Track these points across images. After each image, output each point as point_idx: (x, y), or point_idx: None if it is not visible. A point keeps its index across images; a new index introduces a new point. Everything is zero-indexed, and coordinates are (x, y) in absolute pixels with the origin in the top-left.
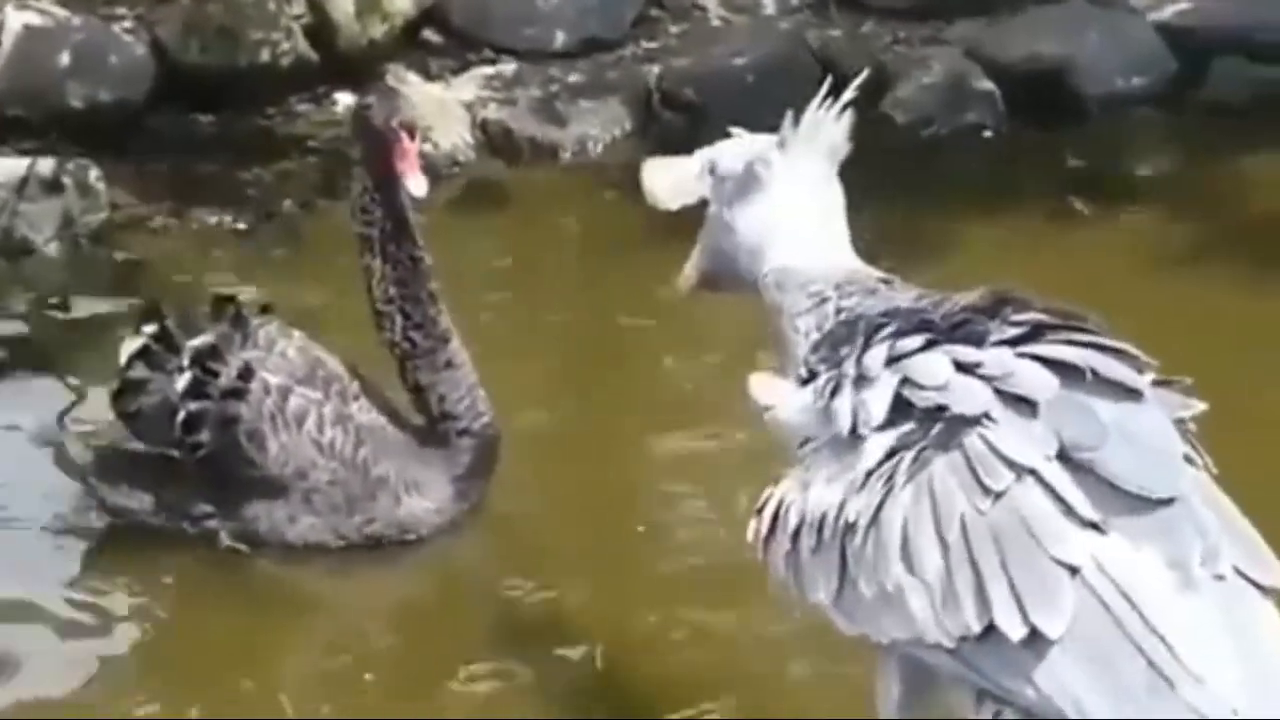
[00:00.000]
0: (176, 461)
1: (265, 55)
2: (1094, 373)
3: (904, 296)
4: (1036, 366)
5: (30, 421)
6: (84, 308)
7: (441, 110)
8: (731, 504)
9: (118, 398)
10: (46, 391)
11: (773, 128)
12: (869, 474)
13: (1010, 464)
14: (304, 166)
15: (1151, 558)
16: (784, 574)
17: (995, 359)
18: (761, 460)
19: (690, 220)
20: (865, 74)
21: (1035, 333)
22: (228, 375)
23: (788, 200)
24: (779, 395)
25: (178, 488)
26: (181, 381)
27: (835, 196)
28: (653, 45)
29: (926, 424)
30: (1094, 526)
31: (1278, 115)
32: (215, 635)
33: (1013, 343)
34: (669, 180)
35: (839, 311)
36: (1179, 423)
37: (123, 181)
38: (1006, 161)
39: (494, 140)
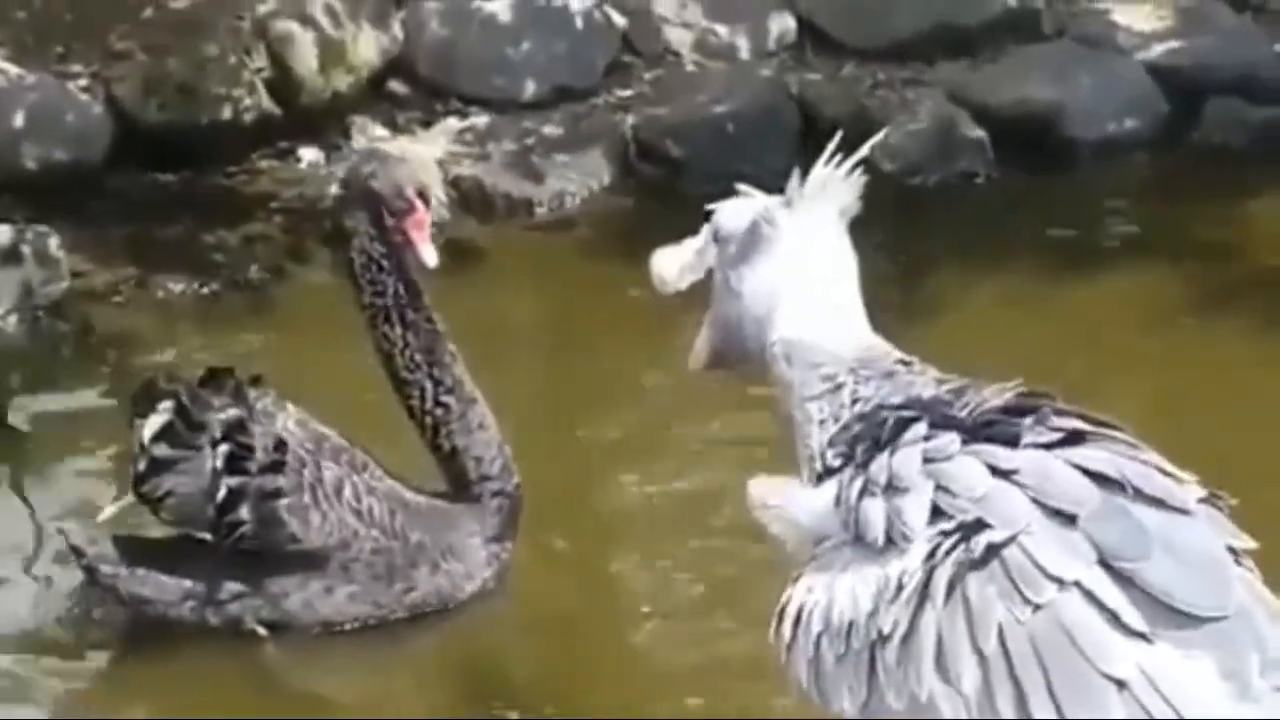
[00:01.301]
0: (201, 543)
1: (226, 111)
2: (1134, 486)
3: (924, 383)
4: (1075, 473)
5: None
6: (48, 390)
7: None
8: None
9: (143, 481)
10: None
11: (754, 178)
12: (901, 583)
13: (1051, 575)
14: (270, 228)
15: (1205, 669)
16: (806, 680)
17: (1032, 463)
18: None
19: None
20: (883, 134)
21: (1073, 438)
22: (262, 448)
23: (795, 262)
24: (787, 495)
25: (203, 571)
26: (218, 458)
27: (846, 259)
28: (627, 93)
29: (963, 533)
30: (1142, 637)
31: (1274, 158)
32: None
33: (1048, 446)
34: (676, 260)
35: (855, 401)
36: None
37: (83, 248)
38: (998, 211)
39: (467, 197)
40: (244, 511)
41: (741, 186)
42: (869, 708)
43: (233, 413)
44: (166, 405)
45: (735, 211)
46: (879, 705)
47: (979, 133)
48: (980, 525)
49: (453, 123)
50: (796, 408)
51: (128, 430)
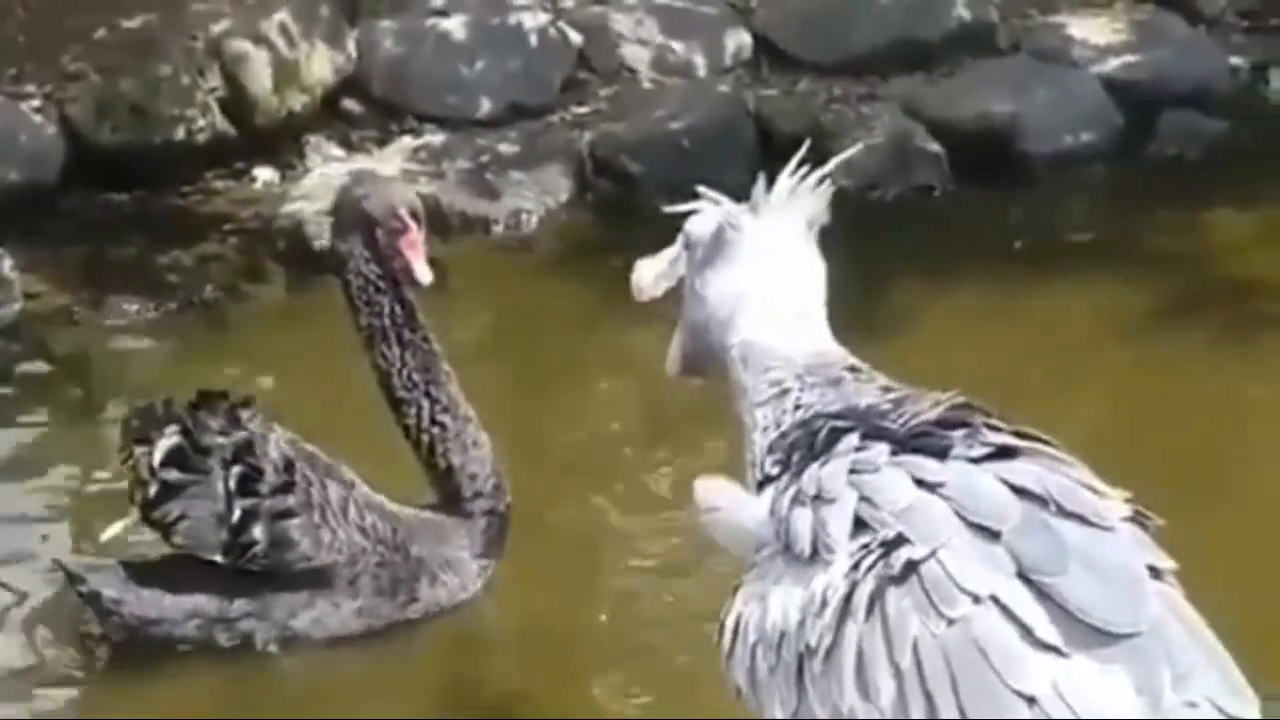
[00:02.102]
0: (208, 565)
1: (180, 132)
2: (1057, 503)
3: (869, 391)
4: (1000, 487)
5: None
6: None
7: None
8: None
9: (153, 506)
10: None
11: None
12: (826, 598)
13: (965, 590)
14: (225, 248)
15: (1118, 683)
16: (744, 688)
17: (958, 477)
18: None
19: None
20: (857, 148)
21: (1002, 452)
22: (272, 469)
23: (758, 267)
24: (728, 499)
25: (207, 590)
26: (231, 480)
27: (812, 267)
28: (582, 110)
29: (885, 547)
30: (1055, 650)
31: (1229, 169)
32: None
33: (977, 460)
34: (652, 269)
35: (798, 407)
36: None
37: (37, 269)
38: (955, 225)
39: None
40: (257, 532)
41: (705, 191)
42: (799, 717)
43: (241, 435)
44: (173, 429)
45: (703, 217)
46: (808, 716)
47: (936, 147)
48: (901, 541)
49: (408, 141)
50: (746, 413)
51: (94, 452)
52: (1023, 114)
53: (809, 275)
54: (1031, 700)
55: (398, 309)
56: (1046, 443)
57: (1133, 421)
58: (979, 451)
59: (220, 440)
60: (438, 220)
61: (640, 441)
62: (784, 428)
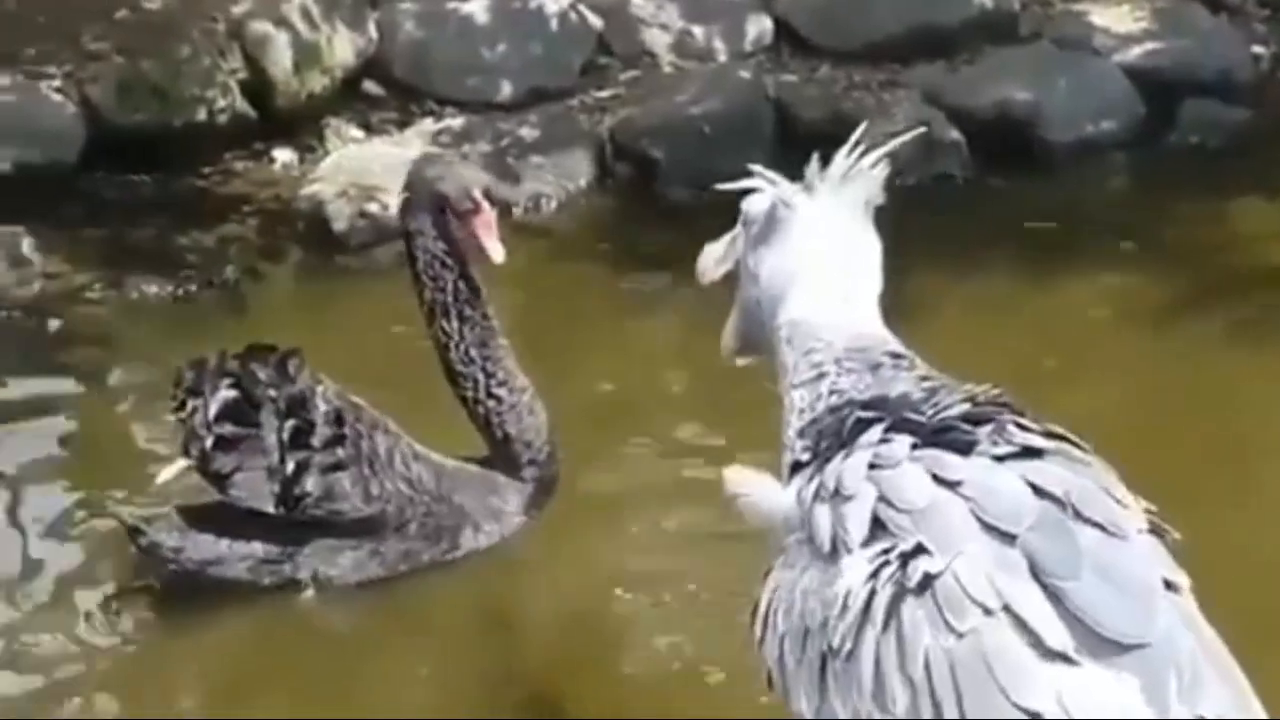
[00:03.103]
0: (259, 513)
1: (201, 113)
2: (1075, 507)
3: (906, 379)
4: (1021, 487)
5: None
6: (19, 388)
7: (388, 168)
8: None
9: (209, 459)
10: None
11: (731, 179)
12: (847, 602)
13: (977, 602)
14: (245, 229)
15: (1126, 691)
16: (775, 676)
17: (978, 474)
18: None
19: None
20: (920, 129)
21: (1026, 452)
22: (323, 422)
23: (810, 246)
24: (757, 486)
25: (261, 533)
26: (285, 433)
27: (867, 248)
28: (603, 94)
29: (901, 559)
30: (1064, 658)
31: (1250, 159)
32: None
33: (1001, 459)
34: (714, 252)
35: (833, 393)
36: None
37: (56, 249)
38: (975, 212)
39: None
40: (309, 485)
41: (759, 170)
42: (821, 713)
43: (292, 389)
44: (227, 383)
45: (759, 196)
46: (829, 713)
47: (956, 135)
48: (919, 550)
49: (428, 124)
50: (785, 393)
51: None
52: (1043, 102)
53: (862, 255)
54: (1036, 717)
55: (461, 286)
56: (1076, 444)
57: (1149, 411)
58: (1004, 450)
59: (272, 394)
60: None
61: (656, 423)
62: (816, 413)
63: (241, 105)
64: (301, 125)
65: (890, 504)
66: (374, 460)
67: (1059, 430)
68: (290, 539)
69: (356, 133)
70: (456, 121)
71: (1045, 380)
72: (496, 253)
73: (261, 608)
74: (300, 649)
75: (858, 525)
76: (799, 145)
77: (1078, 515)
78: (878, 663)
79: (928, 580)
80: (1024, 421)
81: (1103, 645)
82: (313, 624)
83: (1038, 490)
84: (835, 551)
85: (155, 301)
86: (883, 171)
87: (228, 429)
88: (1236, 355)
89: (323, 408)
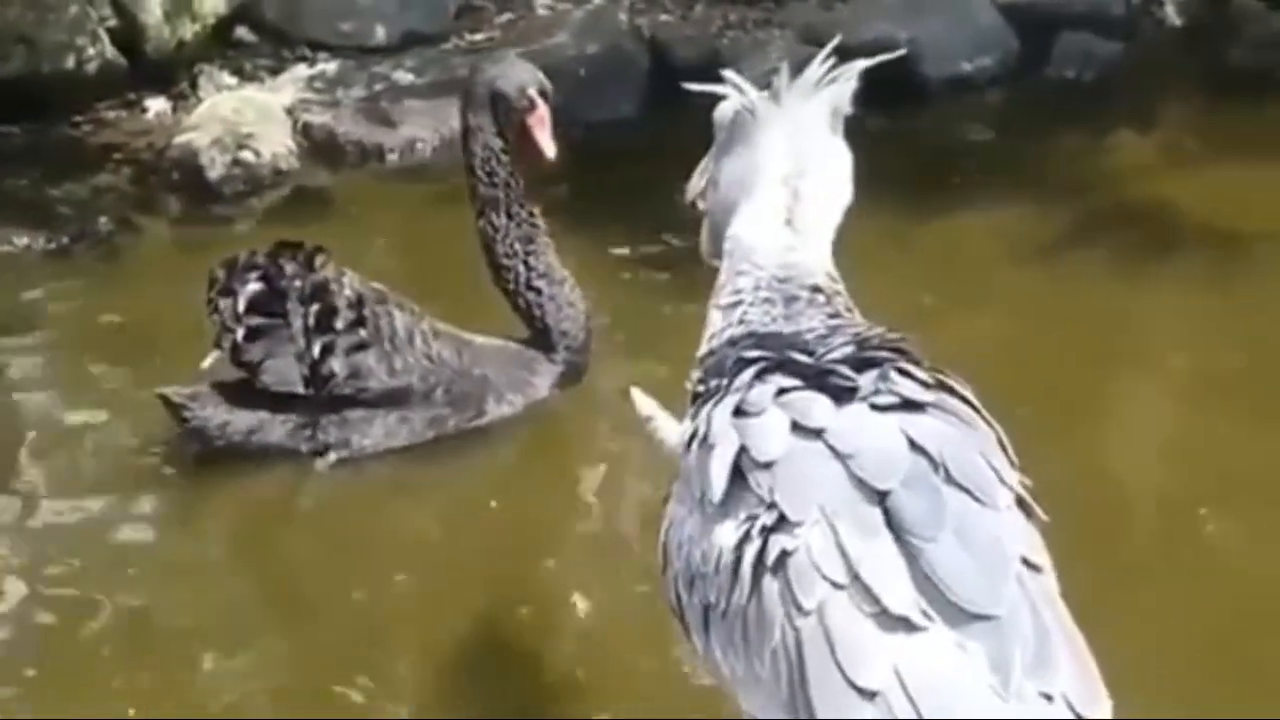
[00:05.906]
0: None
1: (70, 62)
2: (948, 470)
3: (814, 316)
4: (895, 440)
5: None
6: None
7: (261, 115)
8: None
9: (241, 351)
10: None
11: (606, 121)
12: (719, 562)
13: (826, 577)
14: (118, 179)
15: (968, 660)
16: (674, 608)
17: (848, 424)
18: None
19: None
20: (900, 52)
21: (908, 404)
22: (346, 305)
23: (767, 160)
24: (659, 414)
25: (293, 404)
26: (309, 318)
27: (833, 160)
28: (478, 38)
29: (763, 533)
30: (908, 623)
31: (1125, 92)
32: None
33: (883, 408)
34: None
35: (741, 323)
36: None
37: None
38: (855, 150)
39: (317, 145)
40: (335, 365)
41: (730, 76)
42: (709, 655)
43: (316, 277)
44: (254, 276)
45: (728, 103)
46: (711, 659)
47: None
48: (781, 522)
49: (302, 70)
50: (709, 311)
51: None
52: (919, 39)
53: (825, 171)
54: (873, 695)
55: (512, 182)
56: (966, 400)
57: (1025, 342)
58: (885, 399)
59: (297, 284)
60: (331, 149)
61: None
62: (717, 344)
63: (112, 53)
64: (173, 73)
65: (749, 455)
66: (394, 338)
67: (951, 382)
68: (322, 408)
69: (229, 80)
70: (330, 66)
71: (923, 312)
72: (550, 149)
73: (289, 474)
74: (321, 508)
75: (719, 477)
76: (675, 85)
77: (948, 478)
78: (745, 629)
79: (783, 558)
80: (912, 369)
81: (950, 611)
82: (333, 486)
83: (913, 444)
84: (705, 501)
85: (28, 254)
86: (852, 81)
87: (256, 320)
88: (1112, 285)
89: (346, 292)
